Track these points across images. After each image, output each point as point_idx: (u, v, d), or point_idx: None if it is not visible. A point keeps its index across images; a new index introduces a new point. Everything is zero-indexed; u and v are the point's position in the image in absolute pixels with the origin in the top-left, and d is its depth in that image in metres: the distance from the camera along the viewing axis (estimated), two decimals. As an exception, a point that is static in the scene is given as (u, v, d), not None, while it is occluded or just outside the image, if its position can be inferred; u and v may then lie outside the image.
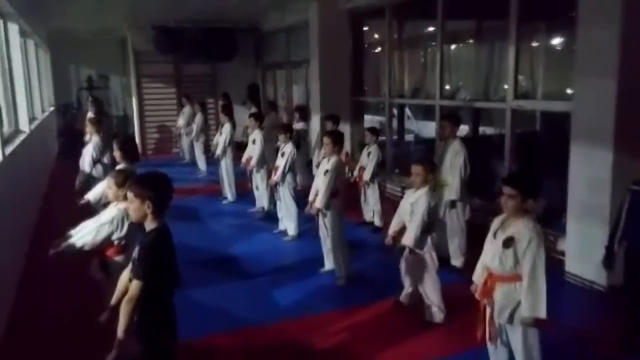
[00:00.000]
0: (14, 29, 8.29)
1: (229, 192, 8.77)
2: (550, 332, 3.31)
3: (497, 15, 7.65)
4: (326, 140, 5.46)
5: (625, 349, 4.00)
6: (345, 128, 9.83)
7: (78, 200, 4.89)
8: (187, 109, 12.25)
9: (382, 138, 10.28)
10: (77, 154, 6.95)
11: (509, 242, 3.10)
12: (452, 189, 5.53)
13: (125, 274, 2.86)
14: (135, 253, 2.71)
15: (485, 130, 9.42)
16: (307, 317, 4.71)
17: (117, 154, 4.79)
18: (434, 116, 8.40)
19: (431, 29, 9.06)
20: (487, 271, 3.26)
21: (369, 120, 11.19)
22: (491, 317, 3.23)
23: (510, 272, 3.14)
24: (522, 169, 3.14)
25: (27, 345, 4.29)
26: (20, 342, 4.33)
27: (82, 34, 14.23)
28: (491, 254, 3.21)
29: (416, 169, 4.42)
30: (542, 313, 3.04)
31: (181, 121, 12.36)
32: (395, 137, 10.06)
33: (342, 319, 4.65)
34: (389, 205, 7.04)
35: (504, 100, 6.86)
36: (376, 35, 11.37)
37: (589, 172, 5.12)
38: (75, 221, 3.75)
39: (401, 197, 4.83)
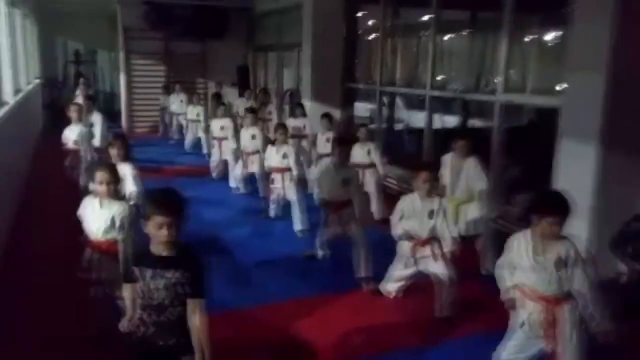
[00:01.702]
0: (0, -2, 8.12)
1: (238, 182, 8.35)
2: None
3: (491, 7, 7.65)
4: (345, 148, 5.34)
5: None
6: (335, 114, 9.83)
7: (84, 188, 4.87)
8: (180, 97, 12.08)
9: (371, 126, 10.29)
10: (62, 129, 6.88)
11: (560, 264, 3.08)
12: (484, 206, 5.32)
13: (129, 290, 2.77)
14: (188, 272, 2.56)
15: (474, 123, 9.44)
16: (291, 300, 4.72)
17: (116, 152, 4.69)
18: (424, 106, 8.40)
19: (425, 18, 9.02)
20: (541, 298, 3.17)
21: (360, 107, 11.17)
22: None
23: (566, 292, 3.13)
24: (554, 190, 3.11)
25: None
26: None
27: (71, 6, 13.99)
28: (542, 280, 3.13)
29: (424, 175, 4.28)
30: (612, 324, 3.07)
31: (175, 107, 12.11)
32: (384, 125, 10.05)
33: (322, 303, 4.66)
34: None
35: (494, 93, 6.89)
36: (370, 22, 11.30)
37: (574, 168, 5.16)
38: (61, 195, 3.74)
39: (394, 187, 4.80)
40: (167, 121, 12.78)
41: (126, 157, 4.73)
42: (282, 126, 7.03)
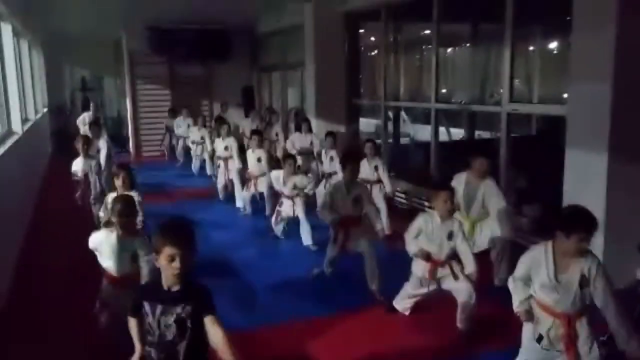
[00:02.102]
0: (7, 29, 8.24)
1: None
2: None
3: (492, 19, 7.67)
4: (353, 166, 5.29)
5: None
6: (340, 131, 9.84)
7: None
8: (187, 121, 11.99)
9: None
10: (70, 156, 6.92)
11: (584, 282, 3.01)
12: (502, 224, 5.15)
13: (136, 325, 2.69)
14: (197, 303, 2.51)
15: (481, 134, 9.42)
16: (299, 321, 4.66)
17: (121, 182, 4.60)
18: (429, 119, 8.37)
19: (427, 31, 9.05)
20: (561, 314, 3.12)
21: (365, 123, 11.19)
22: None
23: (585, 307, 3.08)
24: (578, 207, 3.05)
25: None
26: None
27: (76, 34, 14.19)
28: (565, 299, 3.06)
29: (445, 195, 4.15)
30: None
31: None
32: (390, 140, 10.04)
33: (336, 323, 4.60)
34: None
35: (500, 103, 6.87)
36: (372, 38, 11.36)
37: (584, 177, 5.11)
38: (69, 221, 3.74)
39: (404, 202, 4.72)
40: (174, 143, 12.76)
41: (131, 186, 4.66)
42: (291, 157, 7.07)
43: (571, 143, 5.26)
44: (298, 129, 9.42)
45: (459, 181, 5.22)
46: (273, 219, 6.87)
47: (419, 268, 4.36)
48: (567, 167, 5.31)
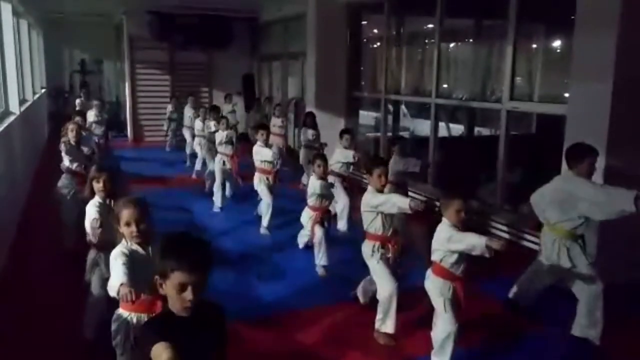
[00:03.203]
0: (7, 8, 8.15)
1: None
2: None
3: (496, 15, 7.64)
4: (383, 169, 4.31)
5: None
6: (340, 123, 9.82)
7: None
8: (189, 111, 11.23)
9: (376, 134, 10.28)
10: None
11: None
12: None
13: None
14: (217, 330, 2.14)
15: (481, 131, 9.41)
16: (292, 312, 4.67)
17: (101, 186, 3.88)
18: (429, 114, 8.35)
19: (430, 26, 9.01)
20: None
21: (364, 116, 11.16)
22: None
23: None
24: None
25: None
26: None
27: (77, 16, 14.09)
28: None
29: (458, 204, 3.56)
30: None
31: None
32: (389, 134, 10.02)
33: (326, 314, 4.60)
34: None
35: (500, 101, 6.86)
36: (374, 30, 11.31)
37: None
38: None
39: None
40: (178, 133, 12.19)
41: (112, 194, 3.90)
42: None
43: (570, 142, 5.23)
44: (304, 123, 9.00)
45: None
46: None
47: None
48: (565, 167, 5.29)
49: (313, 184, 5.54)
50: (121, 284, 2.65)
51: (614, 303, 4.07)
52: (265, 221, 6.66)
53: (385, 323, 4.12)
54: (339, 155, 6.65)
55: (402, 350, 4.08)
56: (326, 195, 5.65)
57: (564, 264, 4.12)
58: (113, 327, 2.96)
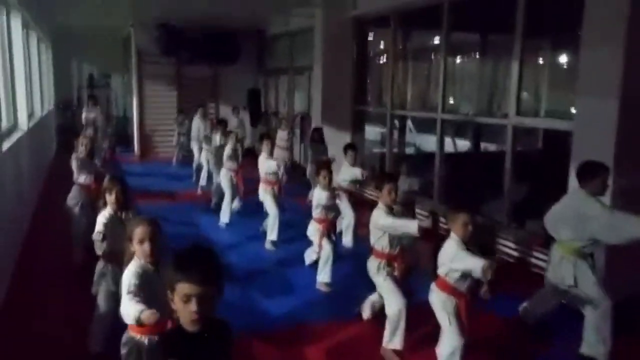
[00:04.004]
0: (17, 20, 8.18)
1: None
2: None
3: (502, 30, 7.65)
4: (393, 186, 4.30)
5: None
6: (346, 138, 9.81)
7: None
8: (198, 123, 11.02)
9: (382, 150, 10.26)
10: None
11: None
12: None
13: None
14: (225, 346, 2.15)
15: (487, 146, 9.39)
16: (298, 327, 4.65)
17: (114, 198, 3.90)
18: (435, 129, 8.34)
19: (436, 40, 9.03)
20: None
21: (370, 131, 11.16)
22: None
23: None
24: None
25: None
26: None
27: (86, 30, 14.21)
28: None
29: (464, 218, 3.54)
30: None
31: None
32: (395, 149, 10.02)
33: (331, 330, 4.57)
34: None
35: (506, 116, 6.84)
36: (381, 45, 11.36)
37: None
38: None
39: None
40: (185, 146, 12.10)
41: (125, 205, 3.96)
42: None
43: (576, 158, 5.22)
44: (312, 138, 9.02)
45: None
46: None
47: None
48: (572, 182, 5.27)
49: (318, 195, 5.53)
50: (141, 311, 2.65)
51: (623, 320, 4.02)
52: (271, 235, 6.63)
53: (393, 340, 4.09)
54: (346, 173, 6.65)
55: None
56: (331, 207, 5.62)
57: (567, 281, 4.11)
58: (123, 350, 2.92)
